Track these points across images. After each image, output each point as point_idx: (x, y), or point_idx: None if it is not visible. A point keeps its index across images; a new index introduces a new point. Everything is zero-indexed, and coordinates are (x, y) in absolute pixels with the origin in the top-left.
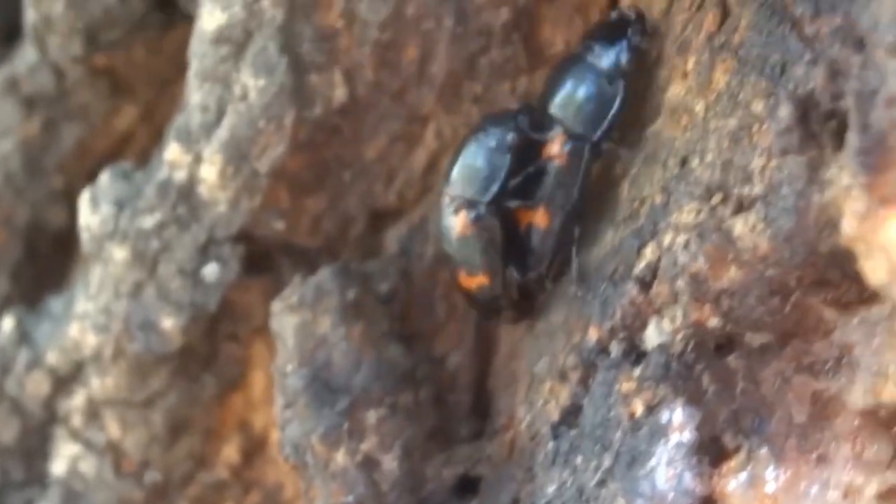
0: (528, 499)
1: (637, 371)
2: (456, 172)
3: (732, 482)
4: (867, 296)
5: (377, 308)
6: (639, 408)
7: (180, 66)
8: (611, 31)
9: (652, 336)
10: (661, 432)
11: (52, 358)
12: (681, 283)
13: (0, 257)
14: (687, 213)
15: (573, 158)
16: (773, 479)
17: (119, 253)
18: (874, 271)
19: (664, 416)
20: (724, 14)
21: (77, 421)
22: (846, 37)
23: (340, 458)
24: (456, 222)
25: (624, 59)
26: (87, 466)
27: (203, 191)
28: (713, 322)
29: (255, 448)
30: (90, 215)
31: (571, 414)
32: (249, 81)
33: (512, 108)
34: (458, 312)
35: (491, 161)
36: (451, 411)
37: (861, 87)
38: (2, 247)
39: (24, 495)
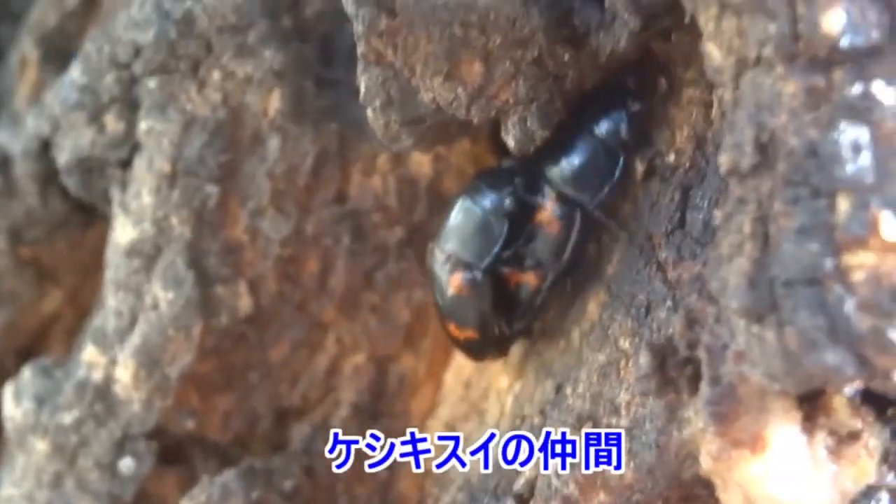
0: None
1: None
2: (452, 231)
3: None
4: None
5: None
6: None
7: (102, 257)
8: (608, 98)
9: None
10: None
11: None
12: None
13: None
14: None
15: (566, 223)
16: None
17: (40, 445)
18: (731, 503)
19: None
20: (599, 247)
21: None
22: (703, 287)
23: None
24: (451, 280)
25: (623, 130)
26: None
27: (119, 390)
28: None
29: None
30: (14, 408)
31: None
32: (159, 293)
33: (507, 166)
34: None
35: (488, 227)
36: None
37: (712, 342)
38: None
39: None
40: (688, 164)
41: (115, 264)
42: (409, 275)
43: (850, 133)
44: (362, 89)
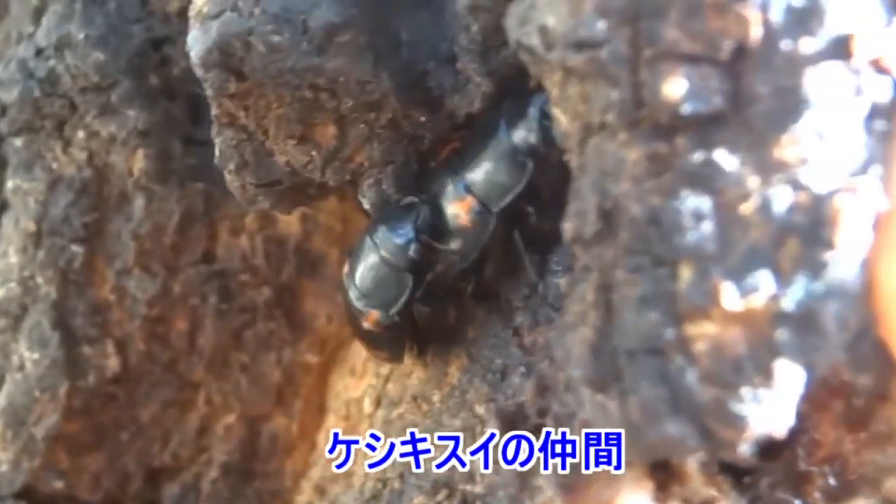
0: None
1: None
2: (360, 282)
3: None
4: None
5: None
6: None
7: None
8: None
9: None
10: None
11: None
12: None
13: None
14: None
15: (478, 223)
16: None
17: None
18: None
19: None
20: (462, 310)
21: None
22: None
23: None
24: (366, 319)
25: (533, 137)
26: None
27: None
28: None
29: None
30: None
31: None
32: (25, 353)
33: (408, 204)
34: None
35: (394, 281)
36: None
37: (561, 410)
38: None
39: None
40: (546, 228)
41: None
42: (278, 335)
43: (692, 201)
44: (216, 151)
